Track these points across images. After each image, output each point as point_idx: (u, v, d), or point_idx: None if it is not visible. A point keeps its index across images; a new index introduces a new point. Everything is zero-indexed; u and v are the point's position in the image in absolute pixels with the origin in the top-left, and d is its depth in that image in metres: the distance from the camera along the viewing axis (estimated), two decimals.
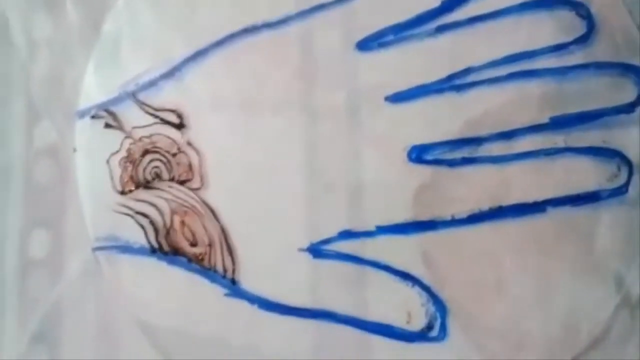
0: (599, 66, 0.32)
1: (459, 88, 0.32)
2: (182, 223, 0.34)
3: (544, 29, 0.32)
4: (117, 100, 0.36)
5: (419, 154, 0.32)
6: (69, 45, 0.36)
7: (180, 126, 0.35)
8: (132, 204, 0.34)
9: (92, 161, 0.35)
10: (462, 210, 0.32)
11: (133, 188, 0.35)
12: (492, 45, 0.32)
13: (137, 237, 0.34)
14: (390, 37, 0.33)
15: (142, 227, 0.34)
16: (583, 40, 0.32)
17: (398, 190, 0.32)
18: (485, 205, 0.32)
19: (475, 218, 0.32)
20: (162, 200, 0.34)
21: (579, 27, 0.32)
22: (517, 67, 0.32)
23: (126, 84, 0.36)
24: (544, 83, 0.32)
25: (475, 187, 0.32)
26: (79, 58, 0.35)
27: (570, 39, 0.32)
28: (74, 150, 0.35)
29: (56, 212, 0.35)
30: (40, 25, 0.36)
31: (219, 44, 0.35)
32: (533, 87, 0.32)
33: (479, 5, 0.33)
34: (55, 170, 0.36)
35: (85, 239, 0.34)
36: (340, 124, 0.33)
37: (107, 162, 0.35)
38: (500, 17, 0.33)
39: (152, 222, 0.34)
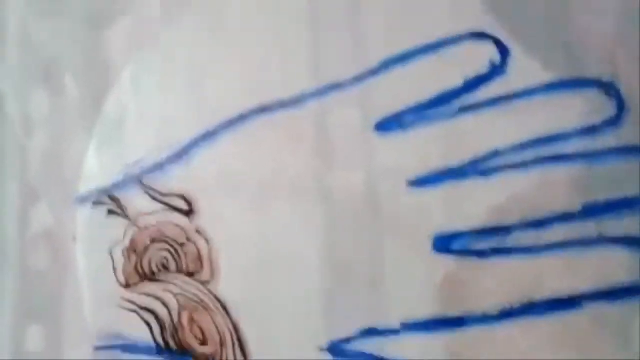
0: (631, 150, 0.28)
1: (485, 172, 0.29)
2: (191, 319, 0.30)
3: (572, 110, 0.29)
4: (120, 184, 0.32)
5: (444, 244, 0.29)
6: (68, 122, 0.32)
7: (189, 213, 0.31)
8: (136, 298, 0.31)
9: (94, 251, 0.32)
10: (492, 304, 0.29)
11: (138, 280, 0.31)
12: (519, 127, 0.29)
13: (142, 335, 0.30)
14: (411, 118, 0.30)
15: (148, 324, 0.30)
16: (613, 122, 0.29)
17: (423, 283, 0.29)
18: (516, 300, 0.28)
19: (506, 314, 0.28)
20: (170, 294, 0.31)
21: (608, 109, 0.29)
22: (544, 150, 0.29)
23: (130, 166, 0.32)
24: (574, 167, 0.29)
25: (505, 280, 0.29)
26: (79, 136, 0.32)
27: (599, 120, 0.29)
28: (74, 239, 0.31)
29: (53, 304, 0.31)
30: (37, 101, 0.33)
31: (230, 123, 0.32)
32: (562, 172, 0.29)
33: (504, 84, 0.29)
34: (53, 257, 0.32)
35: (86, 336, 0.30)
36: (359, 208, 0.31)
37: (110, 252, 0.31)
38: (526, 98, 0.29)
39: (158, 319, 0.30)
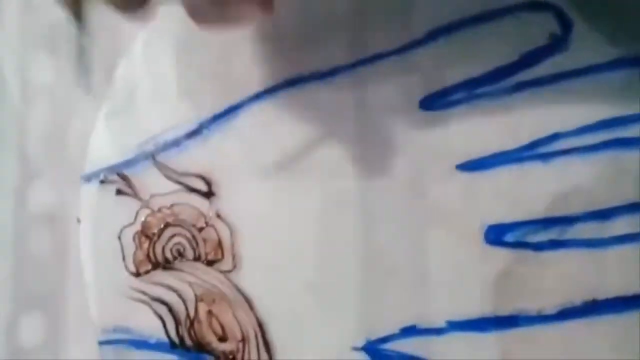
0: None
1: (544, 157, 0.25)
2: (210, 313, 0.26)
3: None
4: (132, 162, 0.27)
5: (497, 235, 0.25)
6: (73, 93, 0.27)
7: (208, 194, 0.27)
8: (148, 288, 0.26)
9: (100, 235, 0.27)
10: (550, 303, 0.27)
11: (150, 269, 0.26)
12: (582, 108, 0.25)
13: (153, 329, 0.25)
14: (460, 95, 0.25)
15: (160, 317, 0.26)
16: None
17: (472, 278, 0.25)
18: (577, 298, 0.24)
19: (566, 314, 0.24)
20: (186, 284, 0.26)
21: None
22: (611, 134, 0.25)
23: (144, 143, 0.27)
24: None
25: (564, 276, 0.27)
26: (85, 109, 0.27)
27: None
28: (78, 221, 0.27)
29: (53, 293, 0.27)
30: (39, 68, 0.28)
31: (257, 97, 0.27)
32: (630, 158, 0.24)
33: (565, 60, 0.25)
34: (53, 241, 0.27)
35: (89, 329, 0.25)
36: (402, 194, 0.28)
37: (119, 236, 0.27)
38: (590, 75, 0.25)
39: (172, 312, 0.26)
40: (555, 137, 0.27)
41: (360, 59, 0.28)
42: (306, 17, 0.26)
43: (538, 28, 0.27)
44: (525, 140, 0.27)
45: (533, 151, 0.27)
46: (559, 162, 0.27)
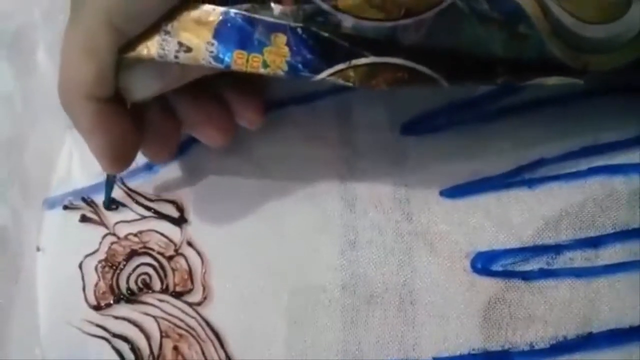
0: None
1: (530, 183, 0.20)
2: (176, 350, 0.20)
3: (627, 117, 0.21)
4: (99, 186, 0.22)
5: (485, 264, 0.20)
6: (38, 106, 0.22)
7: (180, 221, 0.21)
8: (108, 323, 0.21)
9: (60, 263, 0.22)
10: (542, 335, 0.23)
11: (112, 301, 0.21)
12: (567, 134, 0.21)
13: None
14: (442, 120, 0.21)
15: (121, 355, 0.20)
16: None
17: (460, 308, 0.22)
18: (570, 330, 0.23)
19: (559, 348, 0.19)
20: (150, 318, 0.21)
21: None
22: (597, 160, 0.20)
23: None
24: (631, 180, 0.20)
25: (556, 307, 0.23)
26: (51, 125, 0.22)
27: None
28: (38, 249, 0.21)
29: None
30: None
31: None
32: (619, 185, 0.20)
33: (550, 88, 0.22)
34: (3, 265, 0.21)
35: None
36: (385, 216, 0.24)
37: (80, 265, 0.21)
38: (575, 101, 0.21)
39: (134, 349, 0.20)
40: (540, 162, 0.23)
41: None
42: None
43: None
44: (510, 166, 0.23)
45: (519, 177, 0.23)
46: (546, 188, 0.22)
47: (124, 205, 0.24)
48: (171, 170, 0.25)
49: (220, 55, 0.18)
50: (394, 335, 0.22)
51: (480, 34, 0.18)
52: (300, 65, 0.18)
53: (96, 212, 0.24)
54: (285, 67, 0.18)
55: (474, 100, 0.25)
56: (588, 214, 0.23)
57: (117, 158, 0.20)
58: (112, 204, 0.24)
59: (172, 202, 0.24)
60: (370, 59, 0.18)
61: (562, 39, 0.18)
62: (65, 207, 0.24)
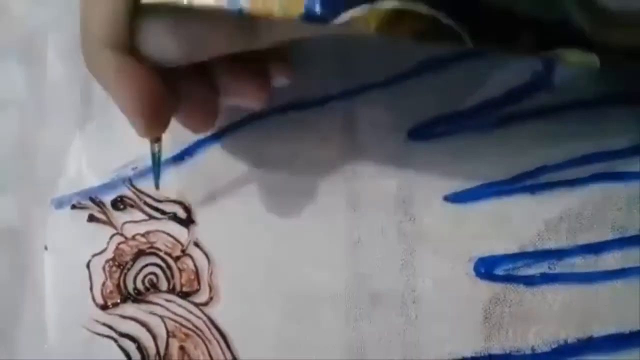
0: None
1: (532, 189, 0.20)
2: (182, 350, 0.20)
3: (627, 125, 0.20)
4: (108, 187, 0.22)
5: (488, 268, 0.19)
6: (48, 107, 0.22)
7: (187, 222, 0.21)
8: (115, 322, 0.20)
9: (67, 263, 0.21)
10: (543, 337, 0.22)
11: (119, 301, 0.20)
12: (568, 142, 0.20)
13: None
14: (447, 127, 0.21)
15: (128, 354, 0.19)
16: None
17: (462, 312, 0.21)
18: (570, 333, 0.22)
19: (561, 351, 0.19)
20: (157, 318, 0.20)
21: None
22: (597, 167, 0.20)
23: (122, 167, 0.21)
24: (630, 186, 0.20)
25: (556, 308, 0.23)
26: (60, 126, 0.21)
27: None
28: (45, 248, 0.20)
29: (7, 323, 0.20)
30: (9, 79, 0.22)
31: (243, 122, 0.22)
32: (618, 190, 0.20)
33: (551, 97, 0.21)
34: (12, 264, 0.21)
35: None
36: (388, 217, 0.24)
37: (87, 265, 0.20)
38: (576, 110, 0.21)
39: (141, 349, 0.20)
40: (542, 169, 0.22)
41: (350, 88, 0.23)
42: (299, 48, 0.22)
43: (523, 65, 0.23)
44: (512, 172, 0.22)
45: (521, 183, 0.22)
46: (548, 194, 0.22)
47: (131, 205, 0.24)
48: (180, 173, 0.24)
49: None
50: (396, 333, 0.22)
51: None
52: (317, 7, 0.16)
53: (104, 212, 0.24)
54: (302, 10, 0.16)
55: (477, 107, 0.24)
56: (587, 218, 0.23)
57: (150, 116, 0.18)
58: (119, 204, 0.24)
59: (180, 203, 0.24)
60: (394, 3, 0.16)
61: (587, 9, 0.17)
62: (74, 207, 0.24)
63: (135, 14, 0.17)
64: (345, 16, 0.16)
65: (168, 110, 0.19)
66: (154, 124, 0.18)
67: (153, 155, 0.22)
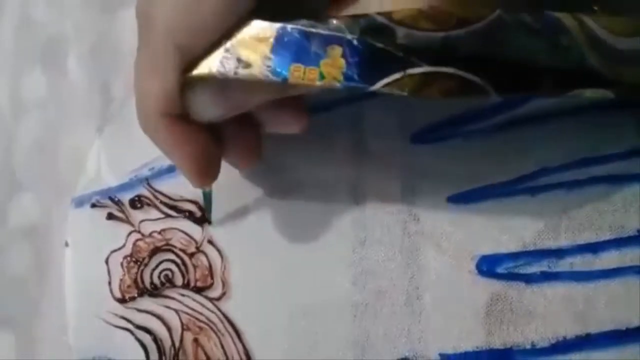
0: None
1: (532, 191, 0.19)
2: (196, 342, 0.19)
3: (624, 130, 0.22)
4: (126, 186, 0.21)
5: (490, 266, 0.19)
6: (68, 110, 0.22)
7: (201, 220, 0.20)
8: (132, 315, 0.20)
9: (87, 258, 0.21)
10: (542, 333, 0.22)
11: (136, 295, 0.20)
12: (568, 145, 0.20)
13: (135, 358, 0.18)
14: (450, 130, 0.21)
15: (144, 346, 0.20)
16: None
17: (466, 308, 0.22)
18: (569, 329, 0.22)
19: (560, 348, 0.18)
20: (172, 312, 0.20)
21: None
22: (596, 170, 0.20)
23: (139, 168, 0.21)
24: (628, 188, 0.19)
25: (555, 304, 0.22)
26: (80, 129, 0.21)
27: None
28: (66, 244, 0.20)
29: (28, 314, 0.20)
30: (31, 82, 0.22)
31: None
32: (616, 191, 0.20)
33: (551, 102, 0.21)
34: (34, 259, 0.21)
35: (65, 355, 0.18)
36: (394, 217, 0.23)
37: (106, 260, 0.20)
38: (575, 114, 0.20)
39: (156, 340, 0.20)
40: (542, 171, 0.22)
41: (357, 94, 0.23)
42: None
43: None
44: (513, 174, 0.22)
45: (521, 185, 0.22)
46: (547, 196, 0.22)
47: (148, 204, 0.23)
48: None
49: (278, 69, 0.17)
50: (401, 328, 0.22)
51: (526, 44, 0.17)
52: (356, 76, 0.17)
53: (122, 211, 0.23)
54: (341, 78, 0.17)
55: (480, 112, 0.24)
56: (586, 218, 0.22)
57: (202, 172, 0.19)
58: (137, 203, 0.23)
59: (194, 202, 0.23)
60: (425, 69, 0.17)
61: (598, 50, 0.17)
62: (93, 205, 0.24)
63: (186, 84, 0.18)
64: (380, 84, 0.17)
65: (218, 163, 0.20)
66: (207, 178, 0.20)
67: (204, 194, 0.23)
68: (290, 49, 0.17)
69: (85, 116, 0.23)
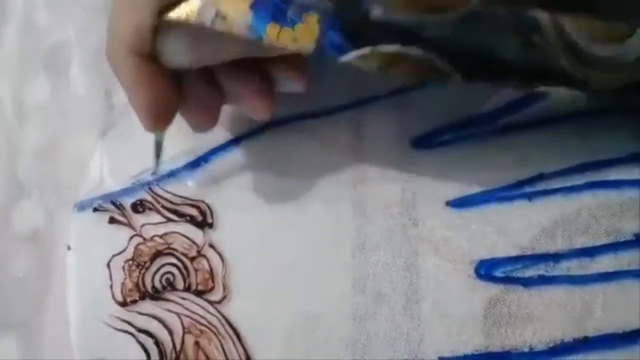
0: None
1: (530, 196, 0.19)
2: (197, 345, 0.19)
3: (621, 136, 0.23)
4: (128, 191, 0.21)
5: (488, 270, 0.19)
6: (71, 115, 0.21)
7: (202, 224, 0.20)
8: (134, 318, 0.20)
9: (89, 262, 0.21)
10: (540, 336, 0.22)
11: (137, 298, 0.20)
12: (565, 151, 0.20)
13: None
14: (450, 136, 0.20)
15: (145, 349, 0.20)
16: None
17: (464, 310, 0.22)
18: (566, 332, 0.22)
19: (558, 351, 0.18)
20: (173, 315, 0.20)
21: None
22: (593, 175, 0.19)
23: (141, 172, 0.21)
24: (624, 193, 0.19)
25: (552, 308, 0.22)
26: (83, 133, 0.21)
27: None
28: (68, 248, 0.20)
29: (31, 317, 0.19)
30: (35, 88, 0.22)
31: (258, 130, 0.21)
32: (611, 196, 0.19)
33: (548, 108, 0.21)
34: (36, 263, 0.21)
35: (68, 358, 0.18)
36: (393, 221, 0.23)
37: (108, 264, 0.20)
38: (572, 120, 0.20)
39: (158, 343, 0.20)
40: (539, 177, 0.22)
41: (358, 99, 0.23)
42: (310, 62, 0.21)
43: None
44: (511, 179, 0.22)
45: (519, 190, 0.22)
46: (545, 201, 0.21)
47: (150, 208, 0.23)
48: (196, 178, 0.24)
49: (254, 26, 0.17)
50: (400, 331, 0.21)
51: (498, 38, 0.17)
52: (328, 45, 0.17)
53: (124, 215, 0.23)
54: (313, 45, 0.17)
55: (479, 117, 0.24)
56: (582, 222, 0.22)
57: (157, 117, 0.19)
58: (139, 207, 0.23)
59: (196, 206, 0.23)
60: (394, 47, 0.17)
61: (571, 53, 0.17)
62: (95, 210, 0.23)
63: (159, 26, 0.17)
64: (350, 55, 0.17)
65: (173, 111, 0.20)
66: (160, 123, 0.19)
67: (156, 141, 0.22)
68: (268, 7, 0.17)
69: (88, 121, 0.23)
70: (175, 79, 0.19)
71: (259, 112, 0.21)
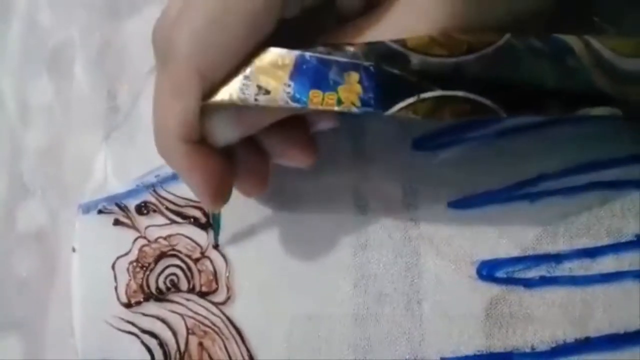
0: None
1: (531, 197, 0.19)
2: (201, 346, 0.19)
3: (622, 137, 0.23)
4: (132, 193, 0.21)
5: (489, 271, 0.19)
6: (74, 118, 0.21)
7: (206, 226, 0.20)
8: (138, 320, 0.20)
9: (94, 264, 0.21)
10: (541, 336, 0.22)
11: (142, 300, 0.20)
12: (565, 152, 0.19)
13: None
14: (450, 137, 0.20)
15: (150, 350, 0.20)
16: None
17: (466, 311, 0.22)
18: (568, 333, 0.22)
19: (559, 351, 0.18)
20: (177, 316, 0.20)
21: None
22: (593, 176, 0.19)
23: (145, 175, 0.21)
24: (625, 193, 0.19)
25: (554, 308, 0.22)
26: (86, 135, 0.21)
27: None
28: (73, 250, 0.20)
29: (35, 317, 0.19)
30: (38, 89, 0.22)
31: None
32: (612, 197, 0.19)
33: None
34: (40, 263, 0.21)
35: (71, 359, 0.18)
36: (395, 222, 0.23)
37: (113, 266, 0.20)
38: (573, 121, 0.20)
39: (162, 344, 0.19)
40: (540, 178, 0.21)
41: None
42: None
43: None
44: (511, 180, 0.22)
45: (520, 191, 0.22)
46: (546, 202, 0.21)
47: (154, 210, 0.23)
48: None
49: (297, 95, 0.17)
50: (401, 331, 0.21)
51: (534, 66, 0.17)
52: (372, 101, 0.17)
53: (128, 217, 0.23)
54: (359, 103, 0.17)
55: (480, 120, 0.24)
56: (583, 223, 0.22)
57: (215, 196, 0.19)
58: (143, 209, 0.23)
59: (199, 208, 0.23)
60: (437, 93, 0.17)
61: (604, 70, 0.17)
62: (100, 212, 0.23)
63: (202, 110, 0.17)
64: (394, 108, 0.17)
65: (230, 187, 0.20)
66: (219, 201, 0.19)
67: (214, 216, 0.23)
68: (308, 75, 0.17)
69: (91, 122, 0.22)
70: (226, 155, 0.19)
71: (306, 163, 0.21)
